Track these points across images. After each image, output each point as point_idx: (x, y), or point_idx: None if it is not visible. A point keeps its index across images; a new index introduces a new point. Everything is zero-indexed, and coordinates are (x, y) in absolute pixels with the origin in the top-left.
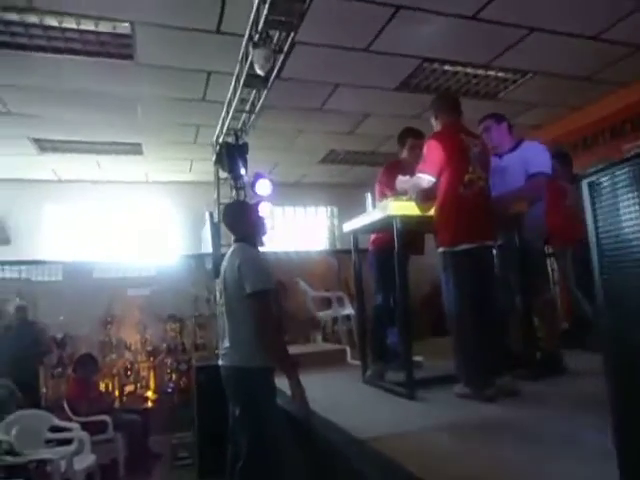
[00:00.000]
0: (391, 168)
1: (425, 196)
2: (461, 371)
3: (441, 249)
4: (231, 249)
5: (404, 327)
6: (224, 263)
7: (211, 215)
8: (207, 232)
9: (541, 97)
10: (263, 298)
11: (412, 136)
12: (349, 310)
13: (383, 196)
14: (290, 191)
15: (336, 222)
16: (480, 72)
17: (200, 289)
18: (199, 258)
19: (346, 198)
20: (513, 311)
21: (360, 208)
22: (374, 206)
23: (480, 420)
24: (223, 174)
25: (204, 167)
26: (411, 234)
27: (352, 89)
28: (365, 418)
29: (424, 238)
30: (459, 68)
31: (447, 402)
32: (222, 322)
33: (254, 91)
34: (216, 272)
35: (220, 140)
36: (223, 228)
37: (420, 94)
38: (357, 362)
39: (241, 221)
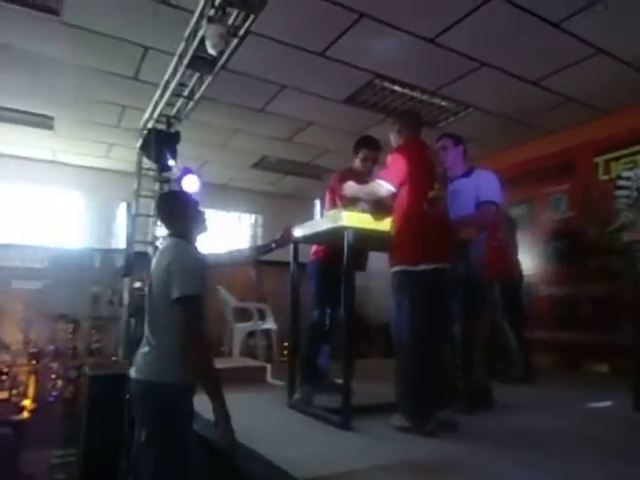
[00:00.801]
0: (344, 175)
1: (378, 206)
2: (402, 402)
3: (397, 268)
4: (163, 245)
5: (348, 348)
6: (153, 261)
7: (129, 207)
8: (120, 226)
9: (477, 132)
10: (192, 305)
11: (366, 147)
12: (270, 324)
13: (333, 205)
14: (215, 193)
15: (259, 231)
16: (425, 98)
17: (104, 288)
18: (107, 254)
19: (272, 208)
20: (450, 340)
21: (286, 218)
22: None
23: (428, 458)
24: (146, 164)
25: (124, 154)
26: (356, 249)
27: (299, 94)
28: (300, 452)
29: (367, 254)
30: (407, 90)
31: (386, 435)
32: (143, 328)
33: (195, 76)
34: (127, 270)
35: (149, 126)
36: (140, 223)
37: (366, 110)
38: (278, 382)
39: (179, 214)
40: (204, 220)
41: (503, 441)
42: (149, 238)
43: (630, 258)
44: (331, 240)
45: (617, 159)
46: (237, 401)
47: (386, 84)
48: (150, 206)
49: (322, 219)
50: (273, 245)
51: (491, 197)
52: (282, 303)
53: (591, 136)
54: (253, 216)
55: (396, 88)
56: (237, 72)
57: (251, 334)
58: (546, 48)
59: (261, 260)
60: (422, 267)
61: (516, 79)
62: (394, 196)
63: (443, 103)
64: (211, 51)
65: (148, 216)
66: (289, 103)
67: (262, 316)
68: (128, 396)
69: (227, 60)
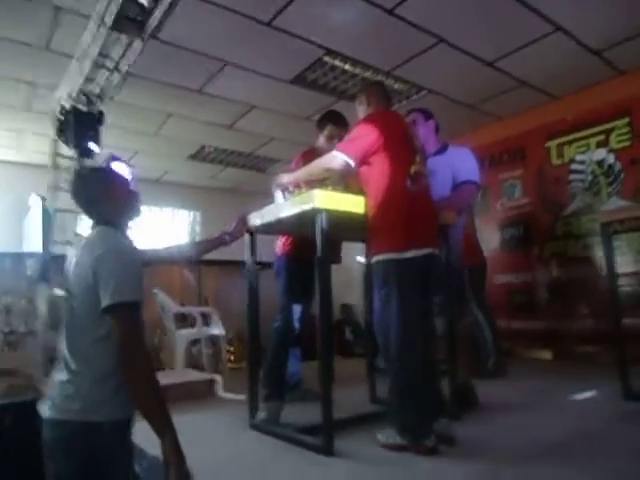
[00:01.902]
0: (307, 156)
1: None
2: (396, 415)
3: (381, 257)
4: (87, 237)
5: (326, 352)
6: (72, 259)
7: (43, 201)
8: (31, 225)
9: None
10: (129, 315)
11: (332, 122)
12: (218, 330)
13: (295, 189)
14: (147, 189)
15: (198, 229)
16: (378, 79)
17: (16, 298)
18: (17, 258)
19: (211, 204)
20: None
21: (227, 214)
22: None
23: None
24: (66, 152)
25: (38, 144)
26: (330, 238)
27: (241, 72)
28: None
29: (341, 244)
30: (359, 70)
31: (378, 458)
32: (59, 347)
33: (121, 44)
34: (43, 276)
35: (66, 106)
36: (58, 220)
37: (315, 92)
38: (232, 396)
39: (103, 195)
40: (137, 201)
41: (509, 453)
42: (69, 238)
43: (607, 239)
44: (298, 228)
45: (570, 143)
46: (186, 424)
47: (337, 62)
48: (70, 201)
49: (286, 202)
50: (226, 238)
51: (470, 176)
52: (226, 306)
53: (543, 120)
54: (191, 213)
55: (347, 67)
56: (171, 44)
57: (193, 342)
58: (506, 24)
59: (201, 259)
60: (411, 253)
61: (472, 59)
62: (367, 172)
63: (396, 85)
64: (143, 1)
65: (68, 212)
66: (230, 83)
67: (206, 321)
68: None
69: (160, 22)
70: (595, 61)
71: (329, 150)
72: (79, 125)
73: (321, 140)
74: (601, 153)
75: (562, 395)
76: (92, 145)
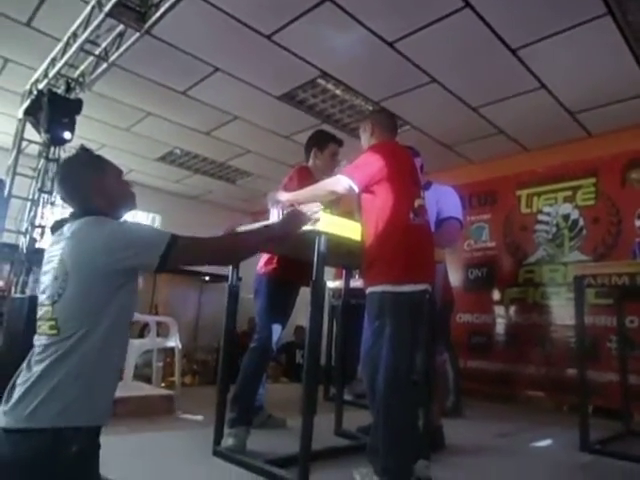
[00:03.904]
0: (303, 172)
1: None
2: (378, 457)
3: (378, 288)
4: (73, 229)
5: (310, 379)
6: (51, 253)
7: (1, 185)
8: None
9: None
10: (179, 240)
11: (334, 141)
12: (174, 342)
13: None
14: None
15: None
16: (365, 108)
17: None
18: None
19: (173, 209)
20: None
21: (188, 222)
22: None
23: None
24: (31, 136)
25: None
26: (303, 261)
27: (231, 80)
28: None
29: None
30: (349, 97)
31: None
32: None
33: (114, 33)
34: None
35: (40, 87)
36: (12, 208)
37: (300, 112)
38: (190, 416)
39: (96, 186)
40: (132, 194)
41: None
42: (23, 227)
43: (579, 292)
44: (288, 249)
45: (539, 194)
46: (140, 446)
47: (330, 85)
48: (29, 188)
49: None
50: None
51: (453, 213)
52: (175, 317)
53: (512, 169)
54: (151, 215)
55: (338, 92)
56: (164, 41)
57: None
58: (497, 74)
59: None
60: (408, 287)
61: (460, 102)
62: (370, 201)
63: None
64: None
65: (24, 199)
66: (218, 89)
67: (163, 331)
68: None
69: (162, 16)
70: (569, 121)
71: (331, 168)
72: (53, 109)
73: (321, 158)
74: (567, 208)
75: (521, 441)
76: (66, 134)
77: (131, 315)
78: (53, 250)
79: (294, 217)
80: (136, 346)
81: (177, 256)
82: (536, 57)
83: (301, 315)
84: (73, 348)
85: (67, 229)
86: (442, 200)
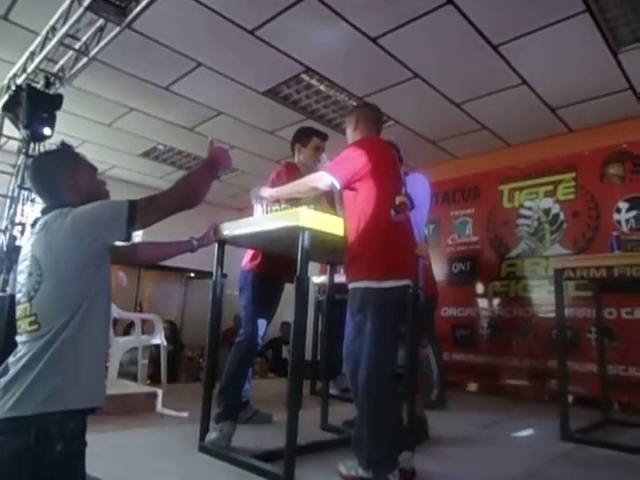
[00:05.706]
0: (291, 169)
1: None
2: (361, 446)
3: (361, 283)
4: (43, 221)
5: (296, 372)
6: (24, 251)
7: None
8: None
9: None
10: (138, 203)
11: (316, 135)
12: (159, 339)
13: (275, 203)
14: None
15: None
16: (349, 104)
17: None
18: None
19: None
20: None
21: (176, 217)
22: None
23: None
24: (10, 132)
25: None
26: (287, 257)
27: (214, 76)
28: None
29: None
30: (333, 92)
31: None
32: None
33: (93, 28)
34: None
35: (19, 82)
36: None
37: (285, 108)
38: (173, 412)
39: (69, 183)
40: (106, 192)
41: None
42: (3, 225)
43: (559, 285)
44: (272, 244)
45: (521, 189)
46: (125, 443)
47: (314, 81)
48: (8, 184)
49: (267, 216)
50: (194, 244)
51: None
52: (160, 313)
53: (495, 164)
54: None
55: (322, 88)
56: (145, 35)
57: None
58: (480, 70)
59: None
60: (390, 283)
61: (443, 97)
62: (352, 197)
63: None
64: None
65: (4, 197)
66: (201, 85)
67: (148, 329)
68: None
69: (142, 10)
70: (550, 117)
71: (314, 162)
72: (33, 105)
73: (305, 153)
74: (548, 202)
75: (504, 432)
76: (46, 130)
77: (109, 297)
78: (26, 247)
79: (220, 150)
80: (121, 344)
81: (141, 217)
82: (517, 53)
83: (287, 311)
84: (55, 337)
85: (38, 225)
86: (414, 188)
